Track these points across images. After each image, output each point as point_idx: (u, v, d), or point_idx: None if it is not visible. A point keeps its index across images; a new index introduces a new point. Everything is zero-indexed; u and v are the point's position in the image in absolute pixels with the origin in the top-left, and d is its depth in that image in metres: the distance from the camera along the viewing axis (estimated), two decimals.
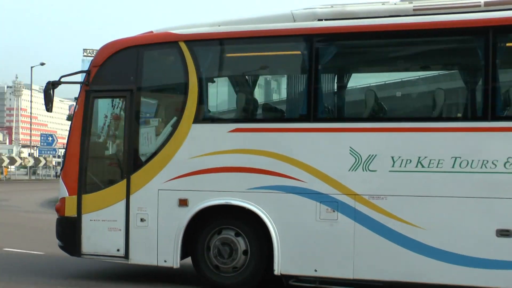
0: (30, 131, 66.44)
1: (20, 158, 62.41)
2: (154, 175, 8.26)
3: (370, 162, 7.44)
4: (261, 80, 9.69)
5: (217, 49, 8.92)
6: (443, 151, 7.28)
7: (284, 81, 9.52)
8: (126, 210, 8.30)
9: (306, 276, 7.74)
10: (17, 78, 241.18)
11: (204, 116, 8.43)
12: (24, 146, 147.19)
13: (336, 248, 7.54)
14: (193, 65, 8.22)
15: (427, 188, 7.37)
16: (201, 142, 8.14)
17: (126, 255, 8.24)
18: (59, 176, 11.15)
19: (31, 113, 68.33)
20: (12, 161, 59.67)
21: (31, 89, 71.00)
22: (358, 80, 9.45)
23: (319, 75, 8.13)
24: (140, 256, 8.26)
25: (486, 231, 7.09)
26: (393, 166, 7.38)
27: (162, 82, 9.29)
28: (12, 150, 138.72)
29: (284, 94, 9.59)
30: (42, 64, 63.27)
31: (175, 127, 8.29)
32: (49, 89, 8.97)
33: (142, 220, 8.21)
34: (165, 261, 8.07)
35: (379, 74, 9.93)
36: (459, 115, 8.18)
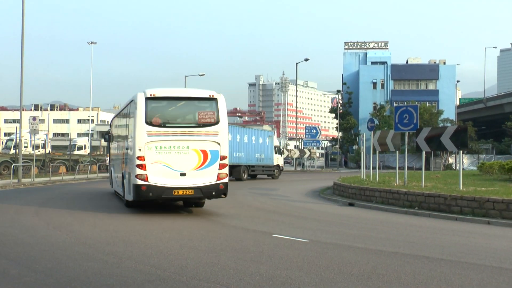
0: (296, 124, 69.86)
1: (287, 150, 66.06)
2: None
3: None
4: None
5: None
6: None
7: None
8: None
9: None
10: (283, 74, 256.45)
11: None
12: (290, 138, 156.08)
13: None
14: None
15: None
16: None
17: None
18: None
19: (296, 107, 71.76)
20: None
21: (296, 84, 74.56)
22: None
23: None
24: None
25: None
26: None
27: None
28: (280, 142, 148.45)
29: None
30: (306, 59, 66.07)
31: None
32: None
33: None
34: None
35: None
36: None
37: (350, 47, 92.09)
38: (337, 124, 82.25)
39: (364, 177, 27.21)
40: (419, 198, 18.40)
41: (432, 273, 8.66)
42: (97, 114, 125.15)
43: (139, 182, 15.78)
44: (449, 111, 77.57)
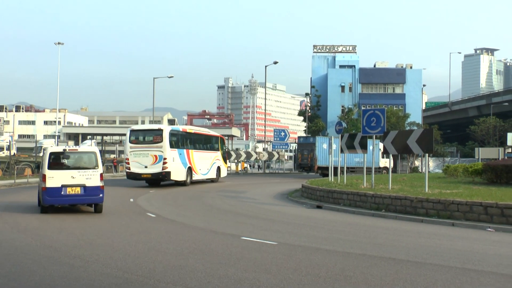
0: (265, 127, 69.99)
1: (256, 152, 66.15)
2: None
3: None
4: None
5: None
6: None
7: None
8: None
9: None
10: (252, 77, 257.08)
11: None
12: (259, 141, 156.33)
13: None
14: None
15: None
16: None
17: None
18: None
19: (265, 109, 71.93)
20: (248, 155, 63.77)
21: (265, 87, 74.71)
22: None
23: None
24: None
25: None
26: None
27: None
28: (249, 145, 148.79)
29: None
30: (275, 62, 66.25)
31: None
32: None
33: None
34: None
35: None
36: None
37: (319, 51, 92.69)
38: (305, 127, 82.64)
39: (332, 180, 27.42)
40: (386, 200, 18.63)
41: (398, 274, 8.79)
42: (64, 115, 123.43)
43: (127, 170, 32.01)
44: (415, 114, 78.62)
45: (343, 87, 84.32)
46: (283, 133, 70.20)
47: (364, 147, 23.44)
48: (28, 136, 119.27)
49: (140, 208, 19.79)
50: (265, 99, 72.12)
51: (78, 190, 17.35)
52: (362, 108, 71.85)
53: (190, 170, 33.74)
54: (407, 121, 73.10)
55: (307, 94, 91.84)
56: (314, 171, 49.46)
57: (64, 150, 18.45)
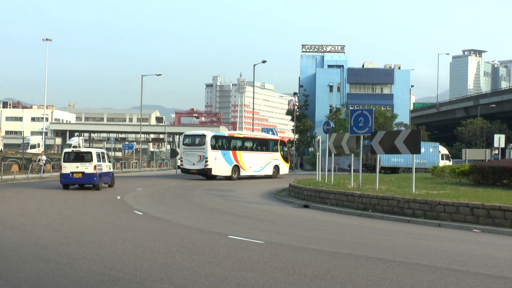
0: (252, 126, 69.99)
1: None
2: None
3: None
4: None
5: None
6: None
7: None
8: None
9: None
10: (241, 76, 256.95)
11: None
12: None
13: None
14: None
15: None
16: None
17: None
18: None
19: (253, 108, 71.96)
20: None
21: (253, 86, 74.77)
22: None
23: None
24: None
25: None
26: None
27: None
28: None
29: None
30: (264, 61, 66.27)
31: None
32: None
33: None
34: None
35: None
36: None
37: (308, 50, 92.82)
38: (293, 126, 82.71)
39: (320, 179, 27.48)
40: (373, 200, 18.71)
41: (384, 274, 8.83)
42: (52, 112, 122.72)
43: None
44: (403, 115, 79.01)
45: (331, 87, 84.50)
46: (271, 132, 70.26)
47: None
48: (15, 132, 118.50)
49: (127, 206, 19.73)
50: (253, 98, 72.18)
51: (80, 175, 27.61)
52: (350, 108, 72.00)
53: (237, 168, 41.87)
54: (395, 121, 73.46)
55: (295, 94, 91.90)
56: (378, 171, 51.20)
57: (72, 150, 30.04)
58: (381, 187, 22.12)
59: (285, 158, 47.45)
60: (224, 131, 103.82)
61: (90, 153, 28.14)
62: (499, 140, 39.45)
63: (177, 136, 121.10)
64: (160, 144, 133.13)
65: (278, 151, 46.59)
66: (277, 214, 18.35)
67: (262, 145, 45.99)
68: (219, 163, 40.05)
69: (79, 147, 54.65)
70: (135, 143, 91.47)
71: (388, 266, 9.46)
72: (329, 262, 9.77)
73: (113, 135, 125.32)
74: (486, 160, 39.95)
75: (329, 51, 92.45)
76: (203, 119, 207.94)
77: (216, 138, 41.01)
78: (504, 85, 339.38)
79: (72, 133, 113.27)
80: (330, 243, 12.04)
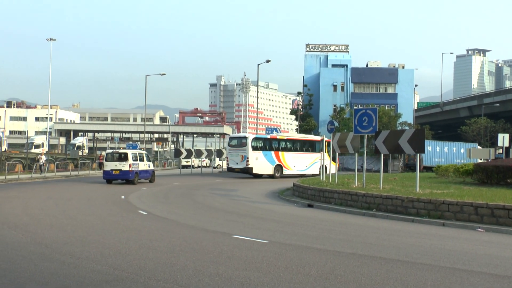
0: (256, 125, 69.91)
1: None
2: None
3: None
4: None
5: None
6: None
7: None
8: None
9: None
10: (245, 75, 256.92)
11: None
12: None
13: None
14: None
15: None
16: None
17: None
18: None
19: (257, 108, 71.95)
20: None
21: (257, 85, 74.73)
22: None
23: None
24: None
25: None
26: None
27: None
28: None
29: None
30: (268, 61, 66.21)
31: None
32: None
33: None
34: None
35: None
36: None
37: (312, 50, 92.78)
38: (297, 125, 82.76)
39: (324, 179, 27.47)
40: (377, 200, 18.69)
41: (388, 274, 8.82)
42: (56, 112, 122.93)
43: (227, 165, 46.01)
44: (407, 114, 78.91)
45: (335, 86, 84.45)
46: (275, 132, 70.25)
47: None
48: (20, 132, 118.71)
49: (132, 206, 19.75)
50: (257, 97, 72.07)
51: (118, 172, 33.22)
52: (354, 107, 71.96)
53: (279, 167, 45.18)
54: (399, 121, 73.35)
55: (299, 93, 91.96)
56: (420, 170, 51.12)
57: (112, 152, 35.41)
58: (385, 186, 22.09)
59: (333, 158, 46.97)
60: (228, 131, 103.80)
61: (126, 154, 33.66)
62: (503, 139, 39.28)
63: (181, 136, 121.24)
64: (164, 144, 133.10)
65: (325, 151, 45.69)
66: (281, 214, 18.34)
67: (306, 145, 48.18)
68: (260, 162, 43.65)
69: (83, 146, 55.65)
70: (139, 142, 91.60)
71: (392, 266, 9.45)
72: (333, 261, 9.76)
73: (117, 135, 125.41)
74: (490, 160, 39.86)
75: (333, 51, 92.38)
76: (207, 118, 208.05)
77: (257, 139, 44.59)
78: (508, 84, 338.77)
79: (76, 133, 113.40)
80: (334, 242, 12.03)
